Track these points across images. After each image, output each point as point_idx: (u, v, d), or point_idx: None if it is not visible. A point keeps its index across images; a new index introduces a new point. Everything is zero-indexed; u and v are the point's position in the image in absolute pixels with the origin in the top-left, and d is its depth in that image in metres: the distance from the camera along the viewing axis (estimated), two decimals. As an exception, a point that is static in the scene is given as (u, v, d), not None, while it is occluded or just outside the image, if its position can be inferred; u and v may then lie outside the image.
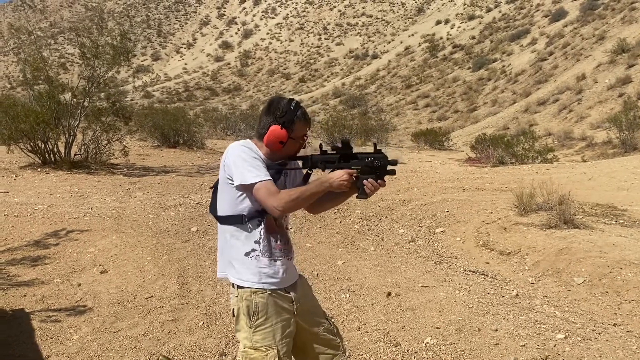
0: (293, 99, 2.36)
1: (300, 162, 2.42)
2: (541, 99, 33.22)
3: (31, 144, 11.84)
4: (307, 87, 74.53)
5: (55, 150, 12.11)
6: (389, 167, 2.29)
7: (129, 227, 6.87)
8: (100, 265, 5.59)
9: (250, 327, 2.25)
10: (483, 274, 6.18)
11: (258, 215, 2.26)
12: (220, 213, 2.33)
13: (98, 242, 6.29)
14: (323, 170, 2.35)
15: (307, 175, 2.41)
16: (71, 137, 12.32)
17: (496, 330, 3.94)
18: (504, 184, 11.41)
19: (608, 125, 19.84)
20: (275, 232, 2.33)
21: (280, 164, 2.34)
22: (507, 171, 13.79)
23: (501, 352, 3.57)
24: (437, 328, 3.96)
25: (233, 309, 2.31)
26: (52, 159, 12.07)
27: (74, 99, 12.37)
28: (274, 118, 2.30)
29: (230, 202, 2.29)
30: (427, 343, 3.68)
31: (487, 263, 6.73)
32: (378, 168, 2.26)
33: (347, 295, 4.65)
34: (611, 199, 9.60)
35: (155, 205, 8.26)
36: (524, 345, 3.67)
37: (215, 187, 2.39)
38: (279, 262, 2.31)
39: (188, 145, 17.06)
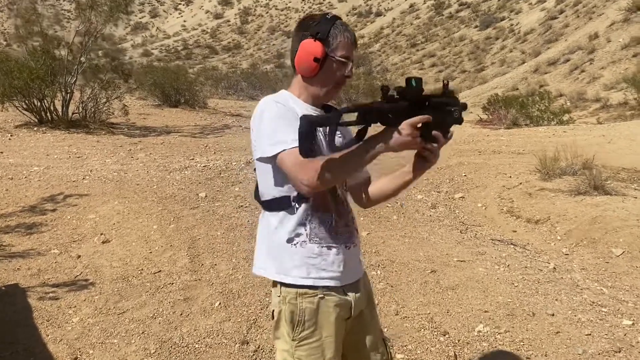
0: (330, 12, 1.76)
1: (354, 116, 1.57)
2: (551, 58, 32.30)
3: (26, 101, 11.25)
4: (309, 45, 73.02)
5: (52, 108, 11.52)
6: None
7: (132, 192, 6.36)
8: (101, 234, 5.10)
9: (294, 340, 1.70)
10: (512, 244, 5.76)
11: None
12: (264, 197, 1.76)
13: (99, 208, 5.80)
14: (392, 124, 1.53)
15: (363, 131, 1.57)
16: (68, 94, 11.71)
17: (553, 315, 3.47)
18: (521, 146, 10.96)
19: (625, 86, 19.15)
20: (329, 209, 1.74)
21: (332, 113, 1.61)
22: (523, 133, 13.31)
23: (565, 343, 3.11)
24: (486, 312, 3.49)
25: (273, 311, 1.76)
26: (49, 118, 11.49)
27: (70, 53, 11.71)
28: (306, 30, 1.71)
29: (271, 181, 1.71)
30: (480, 332, 3.21)
31: (515, 232, 6.29)
32: (451, 120, 1.63)
33: (378, 272, 4.17)
34: (634, 163, 9.12)
35: (159, 168, 7.74)
36: (590, 334, 3.21)
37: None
38: (333, 251, 1.72)
39: (190, 104, 16.44)
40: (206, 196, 6.24)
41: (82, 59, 11.88)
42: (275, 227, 1.73)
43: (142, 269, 4.31)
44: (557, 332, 3.23)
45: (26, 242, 4.96)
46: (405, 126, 1.49)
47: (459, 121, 1.65)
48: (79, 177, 7.05)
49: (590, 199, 6.65)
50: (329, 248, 1.72)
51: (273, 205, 1.73)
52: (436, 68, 42.36)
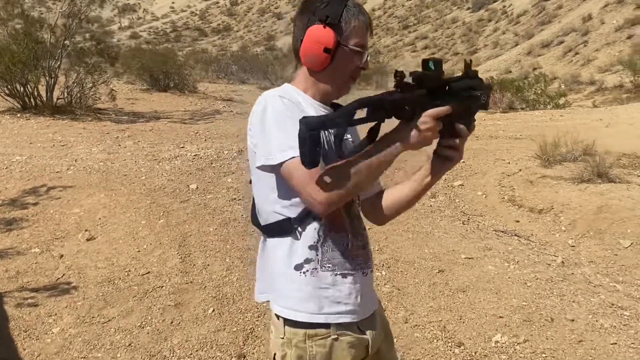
0: None
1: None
2: (545, 40, 32.00)
3: (8, 87, 10.79)
4: (300, 27, 72.26)
5: (36, 93, 11.08)
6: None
7: (119, 184, 6.03)
8: (86, 230, 4.78)
9: None
10: (516, 235, 5.55)
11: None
12: (262, 216, 1.45)
13: (84, 202, 5.48)
14: (408, 118, 1.27)
15: (375, 129, 1.31)
16: (52, 79, 11.26)
17: (573, 320, 3.22)
18: (518, 131, 10.77)
19: (621, 69, 18.92)
20: (344, 228, 1.43)
21: (345, 111, 1.24)
22: (519, 117, 13.10)
23: (589, 353, 2.86)
24: (501, 318, 3.24)
25: (275, 355, 1.45)
26: (33, 104, 11.06)
27: (53, 36, 11.24)
28: (312, 13, 1.40)
29: (274, 193, 1.40)
30: (497, 342, 2.95)
31: (517, 222, 6.08)
32: (477, 106, 1.34)
33: (383, 273, 3.90)
34: (634, 147, 8.90)
35: (147, 157, 7.39)
36: (616, 343, 2.97)
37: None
38: (349, 279, 1.42)
39: (179, 88, 16.02)
40: (197, 188, 5.93)
41: (67, 42, 11.42)
42: (279, 249, 1.42)
43: (129, 270, 4.01)
44: (579, 341, 2.99)
45: (5, 239, 4.64)
46: (426, 119, 1.24)
47: (486, 106, 1.37)
48: (63, 168, 6.70)
49: (594, 187, 6.44)
50: (344, 276, 1.42)
51: (274, 230, 1.43)
52: (429, 50, 41.93)
